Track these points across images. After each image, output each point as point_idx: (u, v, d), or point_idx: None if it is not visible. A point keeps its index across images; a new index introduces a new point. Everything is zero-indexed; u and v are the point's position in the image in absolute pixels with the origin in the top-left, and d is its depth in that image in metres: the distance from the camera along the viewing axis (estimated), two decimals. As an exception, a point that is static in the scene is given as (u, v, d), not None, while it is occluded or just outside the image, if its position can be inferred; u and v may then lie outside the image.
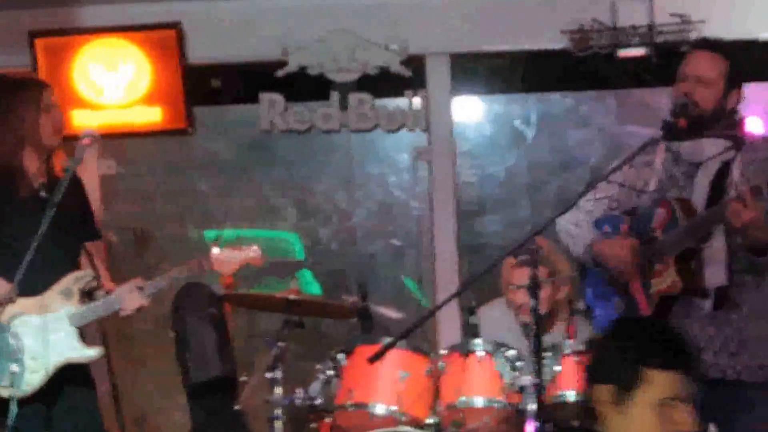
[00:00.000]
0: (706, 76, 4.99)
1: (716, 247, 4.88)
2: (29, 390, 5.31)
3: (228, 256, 5.58)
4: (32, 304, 5.37)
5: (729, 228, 4.76)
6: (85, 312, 5.41)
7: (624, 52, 7.27)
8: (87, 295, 5.48)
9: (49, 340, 5.34)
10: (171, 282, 5.53)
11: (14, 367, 5.27)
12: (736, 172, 4.96)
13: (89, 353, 5.43)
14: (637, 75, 7.60)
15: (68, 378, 5.42)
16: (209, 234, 8.52)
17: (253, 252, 5.65)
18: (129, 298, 5.42)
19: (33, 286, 5.35)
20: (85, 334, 5.49)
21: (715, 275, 4.88)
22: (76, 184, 5.63)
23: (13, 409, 5.19)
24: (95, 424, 5.62)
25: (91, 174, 7.34)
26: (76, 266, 5.52)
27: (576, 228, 5.18)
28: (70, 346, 5.37)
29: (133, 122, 7.41)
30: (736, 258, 4.91)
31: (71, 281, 5.42)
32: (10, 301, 5.32)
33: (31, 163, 5.48)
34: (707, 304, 4.92)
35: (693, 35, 7.10)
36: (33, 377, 5.31)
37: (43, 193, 5.46)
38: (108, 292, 5.47)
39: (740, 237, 4.78)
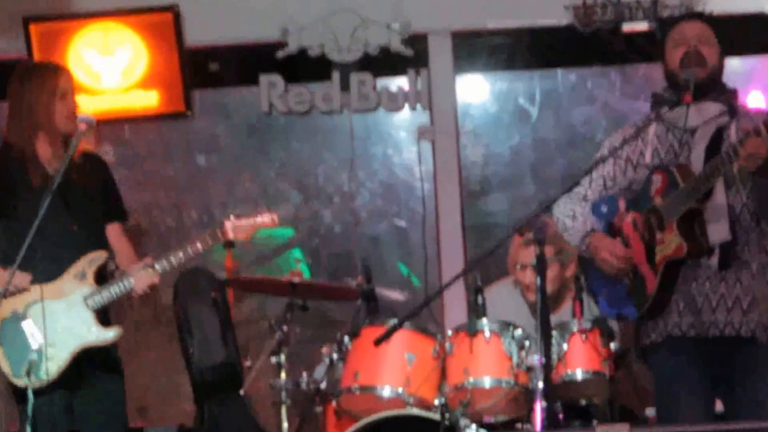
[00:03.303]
0: (706, 37, 4.99)
1: (718, 204, 4.85)
2: (48, 378, 5.29)
3: (242, 223, 5.57)
4: (48, 291, 5.35)
5: (746, 165, 4.68)
6: (100, 294, 5.39)
7: (628, 27, 7.22)
8: (108, 276, 5.47)
9: (66, 326, 5.34)
10: (184, 256, 5.50)
11: (32, 356, 5.27)
12: (732, 136, 4.92)
13: (107, 335, 5.40)
14: (642, 50, 7.51)
15: (93, 363, 5.41)
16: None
17: (267, 217, 5.64)
18: (139, 276, 5.40)
19: (60, 271, 5.37)
20: (107, 316, 5.49)
21: (718, 231, 4.85)
22: (99, 166, 5.64)
23: (30, 398, 5.16)
24: (118, 411, 5.59)
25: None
26: (105, 247, 5.51)
27: (572, 221, 5.14)
28: (87, 330, 5.36)
29: (131, 107, 7.36)
30: (741, 215, 4.90)
31: (85, 264, 5.40)
32: (24, 290, 5.32)
33: (45, 150, 5.45)
34: (713, 262, 4.88)
35: (698, 9, 7.05)
36: (51, 365, 5.29)
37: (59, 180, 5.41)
38: (122, 273, 5.44)
39: (757, 172, 4.72)
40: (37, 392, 5.21)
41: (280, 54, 7.40)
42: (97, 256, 5.43)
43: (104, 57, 7.31)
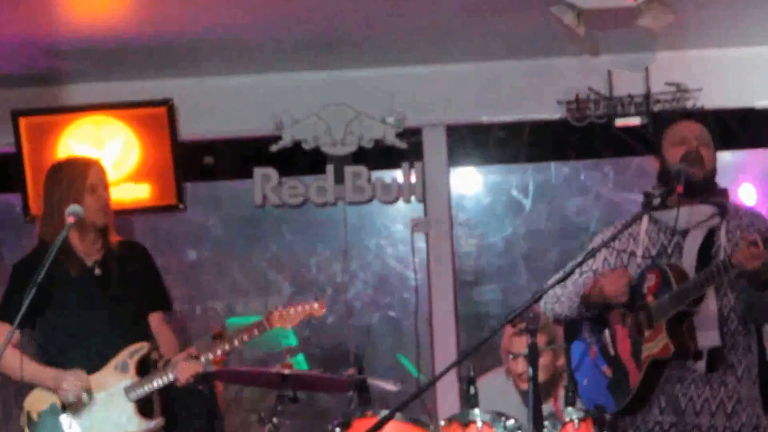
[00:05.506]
0: (705, 138, 5.03)
1: (709, 309, 4.87)
2: None
3: (289, 312, 5.69)
4: (90, 383, 5.49)
5: (745, 273, 4.68)
6: (142, 386, 5.51)
7: (621, 122, 7.24)
8: (151, 365, 5.61)
9: (105, 417, 5.46)
10: (230, 348, 5.62)
11: None
12: (723, 238, 4.96)
13: (149, 425, 5.53)
14: (635, 144, 7.54)
15: None
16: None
17: (315, 305, 5.75)
18: (183, 367, 5.52)
19: (101, 362, 5.52)
20: (149, 405, 5.60)
21: (708, 337, 4.87)
22: (140, 254, 5.83)
23: None
24: None
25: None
26: (145, 337, 5.65)
27: (562, 289, 5.15)
28: (127, 420, 5.48)
29: (122, 199, 7.26)
30: (728, 319, 4.92)
31: (126, 355, 5.54)
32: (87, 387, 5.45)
33: (80, 243, 5.63)
34: (700, 366, 4.88)
35: (689, 104, 7.11)
36: None
37: (97, 271, 5.61)
38: (166, 363, 5.56)
39: (747, 279, 4.75)
40: None
41: (274, 147, 7.40)
42: (139, 348, 5.57)
43: (95, 151, 7.22)
